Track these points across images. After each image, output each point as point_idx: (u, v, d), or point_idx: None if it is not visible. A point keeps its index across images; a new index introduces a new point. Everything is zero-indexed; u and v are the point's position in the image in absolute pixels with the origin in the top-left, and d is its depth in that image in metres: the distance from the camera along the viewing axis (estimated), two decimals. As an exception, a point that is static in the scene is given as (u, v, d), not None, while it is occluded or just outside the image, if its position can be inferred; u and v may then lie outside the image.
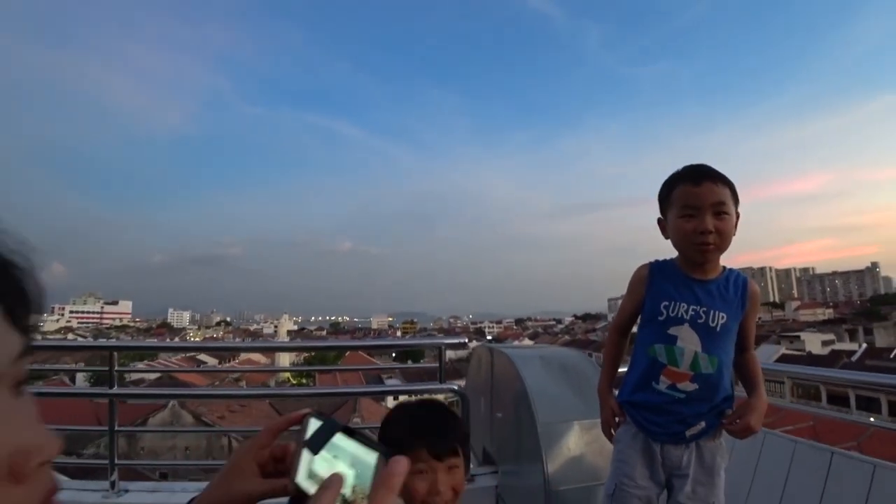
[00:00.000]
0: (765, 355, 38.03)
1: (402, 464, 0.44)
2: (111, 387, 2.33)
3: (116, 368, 2.35)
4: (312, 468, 0.50)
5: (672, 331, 1.45)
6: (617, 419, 1.54)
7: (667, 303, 1.46)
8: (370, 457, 0.47)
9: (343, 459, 0.49)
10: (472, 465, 2.38)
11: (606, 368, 1.64)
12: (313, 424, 0.52)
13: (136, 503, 2.21)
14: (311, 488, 0.49)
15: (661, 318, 1.46)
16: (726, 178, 1.43)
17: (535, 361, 2.15)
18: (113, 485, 2.26)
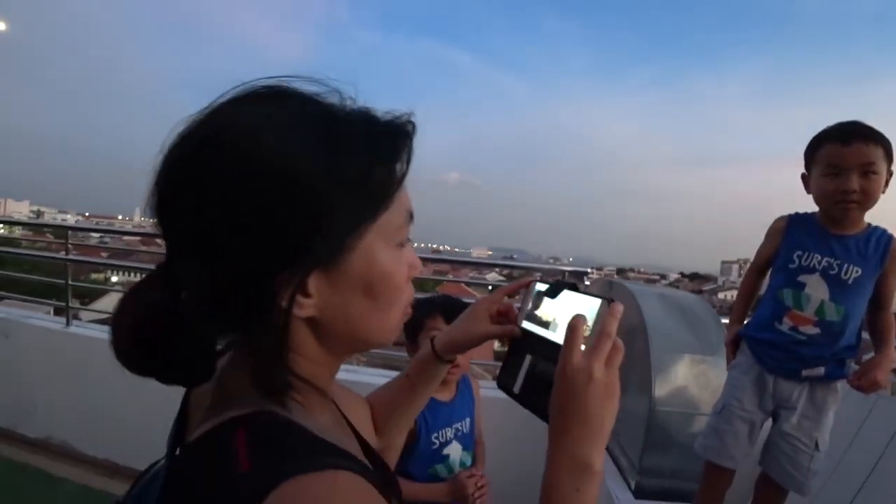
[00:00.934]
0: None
1: (618, 307, 0.57)
2: (66, 254, 3.36)
3: (70, 242, 3.40)
4: (536, 313, 0.67)
5: (801, 278, 1.52)
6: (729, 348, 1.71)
7: (800, 252, 1.53)
8: (594, 303, 0.59)
9: (568, 308, 0.62)
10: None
11: (738, 301, 1.76)
12: (538, 287, 0.69)
13: (81, 334, 3.17)
14: (533, 328, 0.67)
15: (792, 266, 1.54)
16: (881, 136, 1.41)
17: (653, 297, 2.27)
18: (67, 321, 3.27)
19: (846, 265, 1.47)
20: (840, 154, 1.43)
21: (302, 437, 0.43)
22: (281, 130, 0.42)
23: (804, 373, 1.52)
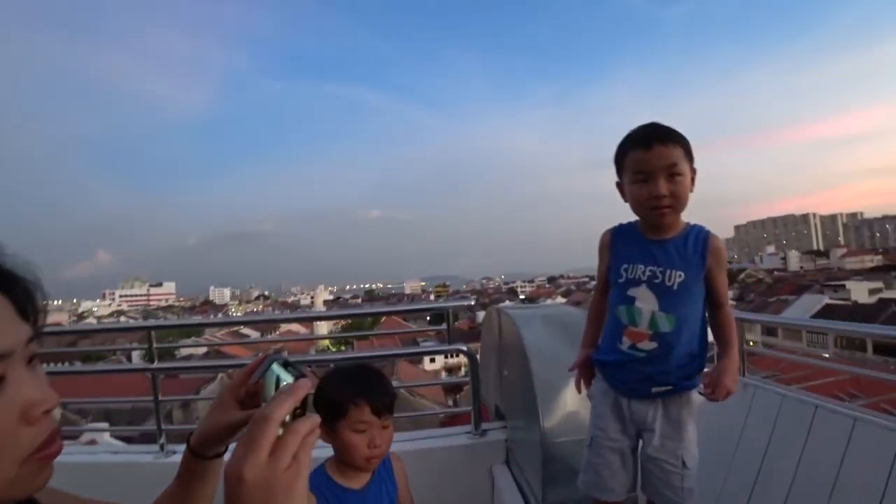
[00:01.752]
0: (807, 306, 36.88)
1: (300, 385, 0.54)
2: (151, 362, 2.58)
3: (156, 346, 2.62)
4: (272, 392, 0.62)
5: (631, 292, 1.47)
6: (578, 373, 1.63)
7: (626, 265, 1.50)
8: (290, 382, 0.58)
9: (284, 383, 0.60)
10: (482, 421, 2.50)
11: (586, 327, 1.69)
12: (274, 365, 0.64)
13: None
14: None
15: (621, 281, 1.50)
16: (678, 135, 1.42)
17: (536, 320, 2.22)
18: (162, 447, 2.53)
19: (668, 271, 1.44)
20: (644, 159, 1.41)
21: None
22: None
23: (654, 390, 1.47)
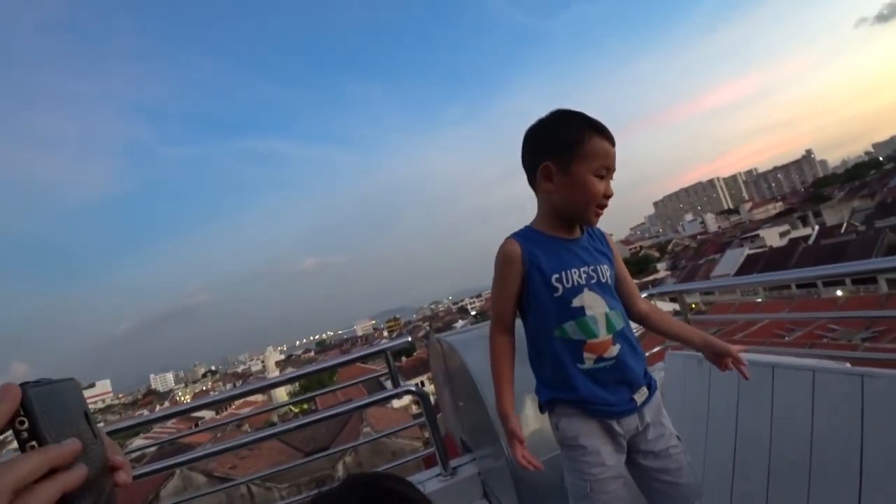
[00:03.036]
0: (732, 260, 39.29)
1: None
2: None
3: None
4: None
5: (576, 302, 1.31)
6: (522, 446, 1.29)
7: (557, 275, 1.32)
8: None
9: None
10: (450, 458, 2.38)
11: (500, 380, 1.37)
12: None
13: None
14: None
15: (557, 295, 1.32)
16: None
17: (478, 343, 2.13)
18: None
19: (598, 267, 1.36)
20: (611, 155, 1.29)
21: None
22: None
23: (636, 398, 1.34)
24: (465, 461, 2.42)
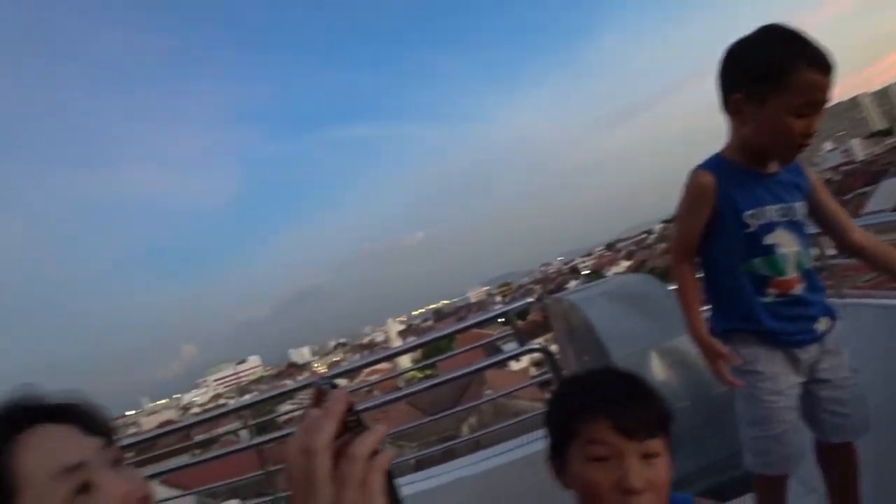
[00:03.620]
0: (889, 191, 33.90)
1: (341, 393, 0.47)
2: (252, 437, 2.78)
3: (250, 423, 2.76)
4: None
5: (767, 240, 1.28)
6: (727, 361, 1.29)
7: (751, 211, 1.27)
8: None
9: None
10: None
11: (690, 306, 1.35)
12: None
13: None
14: None
15: (748, 231, 1.28)
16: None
17: (598, 299, 2.17)
18: None
19: (793, 205, 1.30)
20: (822, 87, 1.15)
21: None
22: None
23: (817, 327, 1.31)
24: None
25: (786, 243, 1.28)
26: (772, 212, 1.28)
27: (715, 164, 1.32)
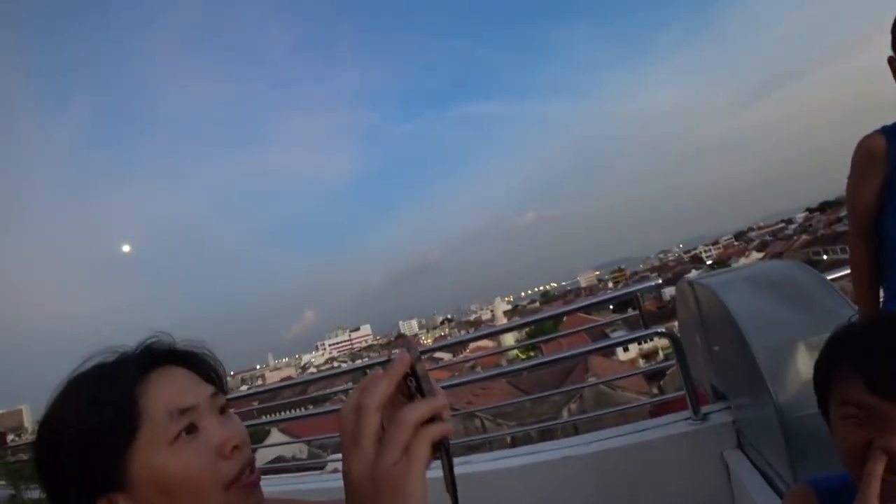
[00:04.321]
0: None
1: (404, 356, 0.47)
2: None
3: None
4: None
5: None
6: None
7: None
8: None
9: None
10: (701, 405, 2.29)
11: (859, 287, 1.28)
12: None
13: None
14: None
15: None
16: None
17: (739, 284, 1.96)
18: None
19: None
20: None
21: None
22: (56, 408, 0.62)
23: None
24: (717, 408, 2.31)
25: None
26: None
27: (888, 130, 1.17)
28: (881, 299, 1.25)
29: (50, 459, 0.59)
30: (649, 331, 2.17)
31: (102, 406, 0.58)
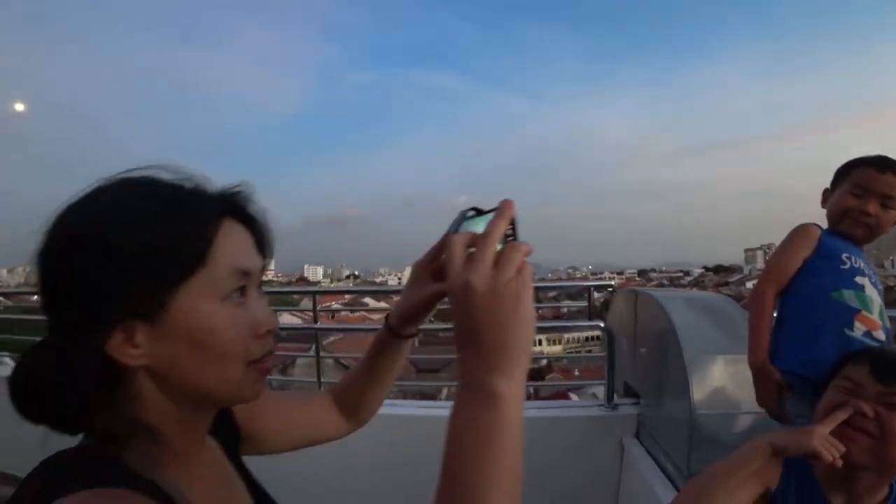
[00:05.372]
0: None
1: (511, 202, 0.52)
2: (315, 322, 2.93)
3: (319, 309, 2.97)
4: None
5: (858, 280, 1.43)
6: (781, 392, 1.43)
7: (847, 254, 1.47)
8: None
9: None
10: (614, 396, 2.63)
11: (760, 332, 1.50)
12: (467, 216, 0.61)
13: None
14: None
15: (844, 268, 1.44)
16: None
17: (679, 301, 2.29)
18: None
19: (875, 279, 1.47)
20: (871, 178, 1.46)
21: (105, 465, 0.48)
22: (104, 207, 0.52)
23: None
24: (627, 402, 2.66)
25: (872, 295, 1.43)
26: (862, 263, 1.46)
27: (823, 230, 1.56)
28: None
29: (79, 259, 0.49)
30: (595, 322, 2.46)
31: (177, 226, 0.51)
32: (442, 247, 0.65)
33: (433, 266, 0.69)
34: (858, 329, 1.37)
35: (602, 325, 2.55)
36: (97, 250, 0.49)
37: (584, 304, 2.71)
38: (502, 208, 0.51)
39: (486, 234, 0.49)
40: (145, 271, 0.49)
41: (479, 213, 0.58)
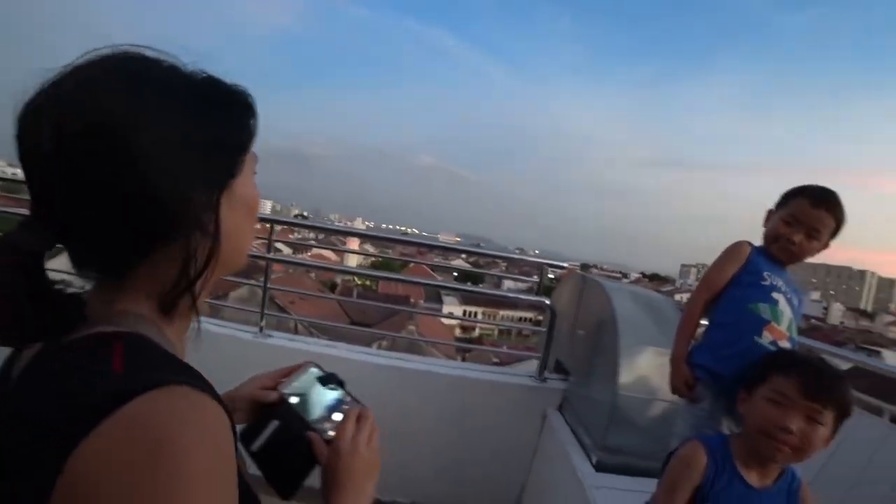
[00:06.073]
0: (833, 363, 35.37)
1: (366, 412, 0.73)
2: (269, 252, 2.88)
3: (274, 239, 2.92)
4: (299, 390, 0.75)
5: (774, 295, 1.62)
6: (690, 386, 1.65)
7: (768, 273, 1.65)
8: (343, 396, 0.75)
9: (326, 396, 0.74)
10: (546, 371, 2.79)
11: (684, 331, 1.74)
12: (312, 370, 0.78)
13: (277, 345, 2.74)
14: (292, 400, 0.73)
15: (764, 284, 1.63)
16: (842, 213, 1.62)
17: (624, 293, 2.45)
18: (261, 329, 2.79)
19: (792, 297, 1.65)
20: (804, 211, 1.62)
21: (169, 359, 0.49)
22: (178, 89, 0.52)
23: None
24: (556, 377, 2.83)
25: (785, 308, 1.63)
26: (780, 283, 1.65)
27: (754, 246, 1.74)
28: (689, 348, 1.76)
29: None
30: (541, 299, 2.60)
31: (239, 106, 0.57)
32: (285, 373, 0.79)
33: (269, 382, 0.78)
34: (766, 337, 1.57)
35: (548, 301, 2.69)
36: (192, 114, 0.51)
37: (534, 280, 2.84)
38: (363, 417, 0.72)
39: (365, 418, 0.72)
40: (227, 140, 0.54)
41: (325, 381, 0.75)
